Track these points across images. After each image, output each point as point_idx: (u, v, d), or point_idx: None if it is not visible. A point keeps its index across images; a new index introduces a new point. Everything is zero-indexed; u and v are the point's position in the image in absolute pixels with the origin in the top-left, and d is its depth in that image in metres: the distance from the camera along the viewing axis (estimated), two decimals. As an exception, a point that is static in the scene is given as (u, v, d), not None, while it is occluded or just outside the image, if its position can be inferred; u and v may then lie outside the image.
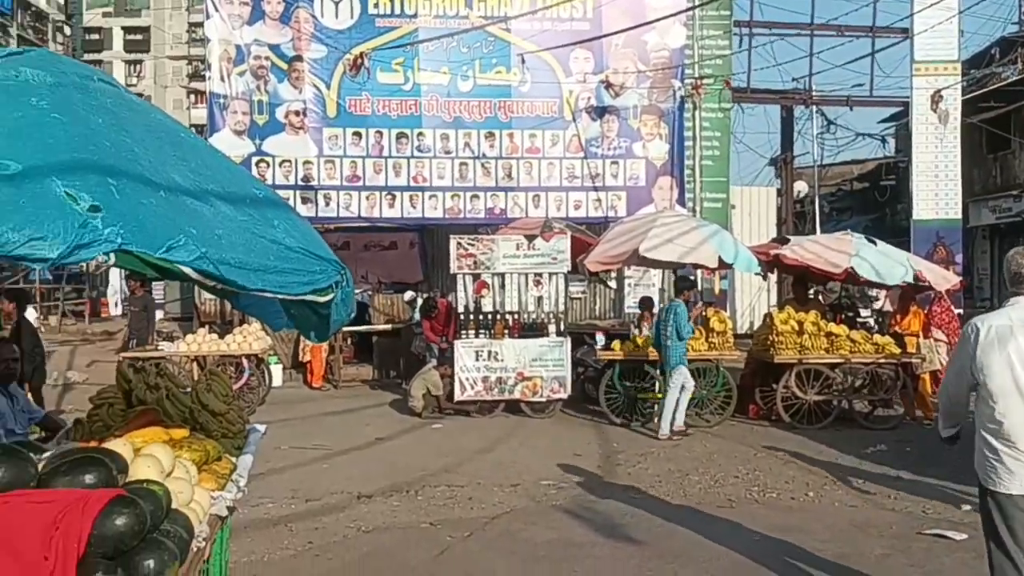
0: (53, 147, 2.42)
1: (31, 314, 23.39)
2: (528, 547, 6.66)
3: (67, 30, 67.14)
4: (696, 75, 17.72)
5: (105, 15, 66.13)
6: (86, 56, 63.74)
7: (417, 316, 14.83)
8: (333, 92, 16.20)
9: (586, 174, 16.83)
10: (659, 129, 16.97)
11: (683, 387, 10.76)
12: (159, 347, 13.37)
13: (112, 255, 2.30)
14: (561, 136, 16.77)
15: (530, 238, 12.70)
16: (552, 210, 16.53)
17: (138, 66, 66.52)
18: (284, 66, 16.21)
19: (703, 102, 17.82)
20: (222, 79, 16.06)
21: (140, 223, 2.38)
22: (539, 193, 16.76)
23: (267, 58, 16.17)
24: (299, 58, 16.22)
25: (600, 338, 13.47)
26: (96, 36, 66.96)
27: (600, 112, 16.81)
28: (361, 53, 16.06)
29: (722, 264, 11.83)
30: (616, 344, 12.14)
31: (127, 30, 66.97)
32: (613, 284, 17.94)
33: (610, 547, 6.65)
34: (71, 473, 2.87)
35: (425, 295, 15.61)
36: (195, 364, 13.12)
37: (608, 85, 16.79)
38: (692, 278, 12.09)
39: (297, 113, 16.20)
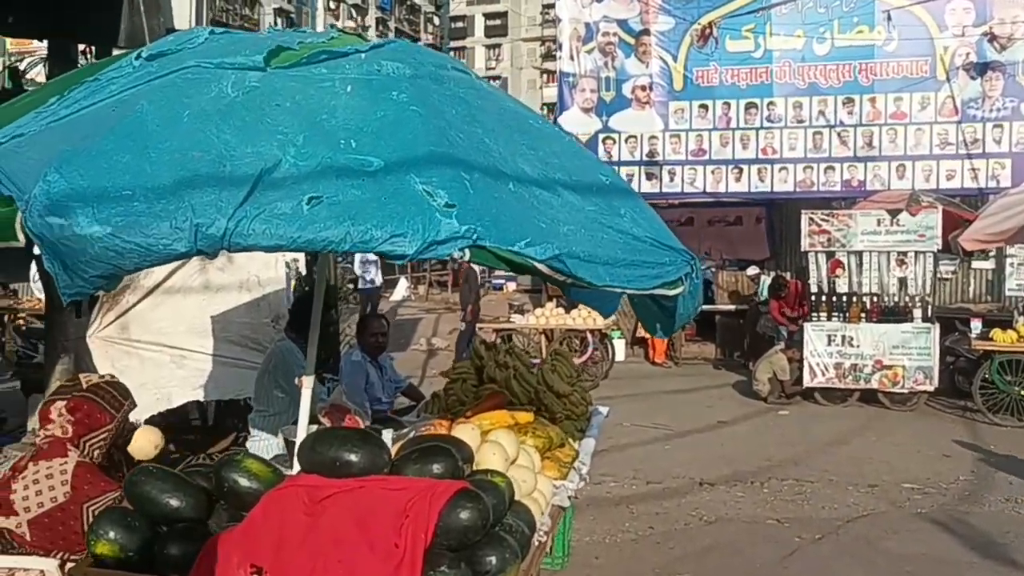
0: (411, 142, 2.46)
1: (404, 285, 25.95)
2: (889, 559, 6.04)
3: (436, 20, 73.15)
4: (1106, 19, 15.05)
5: (468, 3, 71.08)
6: (451, 43, 69.22)
7: (764, 295, 14.21)
8: (680, 64, 15.87)
9: (961, 140, 14.99)
10: (1055, 85, 14.69)
11: None
12: (511, 319, 14.09)
13: (467, 250, 2.30)
14: (932, 99, 15.05)
15: (893, 213, 11.68)
16: (919, 181, 14.92)
17: (496, 50, 70.83)
18: (631, 41, 16.16)
19: (1113, 50, 15.10)
20: (571, 58, 16.38)
21: (494, 218, 2.37)
22: (904, 163, 15.23)
23: (615, 34, 16.22)
24: (646, 32, 16.07)
25: (976, 325, 11.98)
26: (460, 24, 72.28)
27: (981, 69, 14.82)
28: (710, 22, 15.55)
29: None
30: (996, 333, 10.77)
31: (487, 16, 71.51)
32: (990, 264, 15.93)
33: (988, 568, 5.85)
34: (420, 461, 2.94)
35: (771, 273, 14.94)
36: (543, 336, 13.73)
37: (993, 38, 14.76)
38: None
39: (643, 88, 16.10)
